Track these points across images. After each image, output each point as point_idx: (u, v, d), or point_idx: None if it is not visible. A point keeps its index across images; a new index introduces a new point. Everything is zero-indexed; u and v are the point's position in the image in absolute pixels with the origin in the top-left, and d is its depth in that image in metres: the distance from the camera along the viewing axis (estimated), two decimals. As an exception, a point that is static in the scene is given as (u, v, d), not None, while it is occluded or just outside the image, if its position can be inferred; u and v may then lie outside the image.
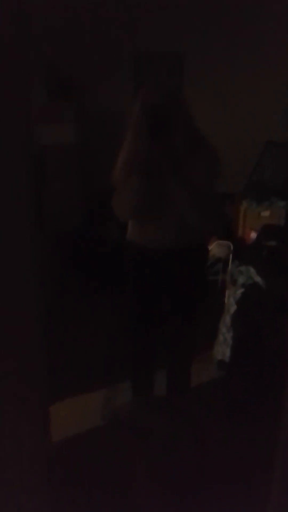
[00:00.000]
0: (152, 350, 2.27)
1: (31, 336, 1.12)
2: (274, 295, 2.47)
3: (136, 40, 3.97)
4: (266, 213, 3.73)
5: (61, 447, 2.02)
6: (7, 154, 0.96)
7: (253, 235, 3.52)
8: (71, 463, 1.91)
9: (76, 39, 3.91)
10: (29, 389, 1.14)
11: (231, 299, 2.72)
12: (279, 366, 1.84)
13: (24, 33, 0.95)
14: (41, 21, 3.71)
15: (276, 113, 3.95)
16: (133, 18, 3.85)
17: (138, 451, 1.76)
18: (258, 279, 2.58)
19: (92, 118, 4.19)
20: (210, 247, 3.21)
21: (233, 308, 2.65)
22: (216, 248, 3.51)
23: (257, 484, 1.30)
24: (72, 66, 4.01)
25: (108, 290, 3.41)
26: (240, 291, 2.64)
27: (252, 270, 2.63)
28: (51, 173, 4.04)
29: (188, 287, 2.10)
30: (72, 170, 4.06)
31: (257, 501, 1.25)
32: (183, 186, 1.86)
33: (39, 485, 1.23)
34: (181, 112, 1.89)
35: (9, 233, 1.01)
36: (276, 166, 3.98)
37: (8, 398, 1.10)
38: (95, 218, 3.92)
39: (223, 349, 2.72)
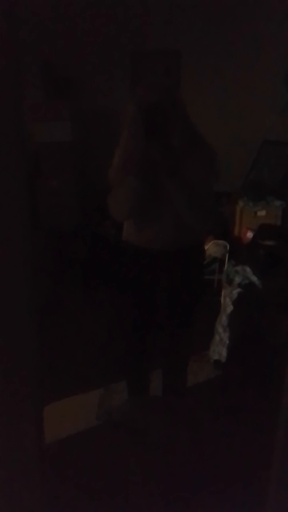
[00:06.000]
0: (148, 350, 2.26)
1: (24, 335, 1.11)
2: (270, 295, 2.47)
3: (133, 38, 3.96)
4: (262, 213, 3.73)
5: (55, 447, 2.01)
6: (0, 151, 0.94)
7: (250, 234, 3.52)
8: (65, 463, 1.91)
9: (73, 37, 3.90)
10: (23, 388, 1.13)
11: (227, 299, 2.71)
12: (275, 366, 1.84)
13: (16, 28, 0.94)
14: (38, 20, 3.71)
15: (273, 112, 3.95)
16: (130, 16, 3.84)
17: (133, 451, 1.75)
18: (254, 278, 2.58)
19: (89, 117, 4.19)
20: (206, 247, 3.20)
21: (229, 308, 2.64)
22: (212, 247, 3.51)
23: (255, 484, 1.30)
24: (69, 65, 4.00)
25: (104, 289, 3.40)
26: (236, 290, 2.63)
27: (248, 269, 2.63)
28: (47, 171, 4.03)
29: (184, 287, 2.10)
30: (68, 168, 4.05)
31: (255, 500, 1.25)
32: (180, 186, 1.85)
33: (33, 485, 1.22)
34: (178, 111, 1.86)
35: (1, 231, 1.00)
36: (273, 165, 3.98)
37: (1, 397, 1.09)
38: (92, 217, 3.91)
39: (219, 349, 2.71)
